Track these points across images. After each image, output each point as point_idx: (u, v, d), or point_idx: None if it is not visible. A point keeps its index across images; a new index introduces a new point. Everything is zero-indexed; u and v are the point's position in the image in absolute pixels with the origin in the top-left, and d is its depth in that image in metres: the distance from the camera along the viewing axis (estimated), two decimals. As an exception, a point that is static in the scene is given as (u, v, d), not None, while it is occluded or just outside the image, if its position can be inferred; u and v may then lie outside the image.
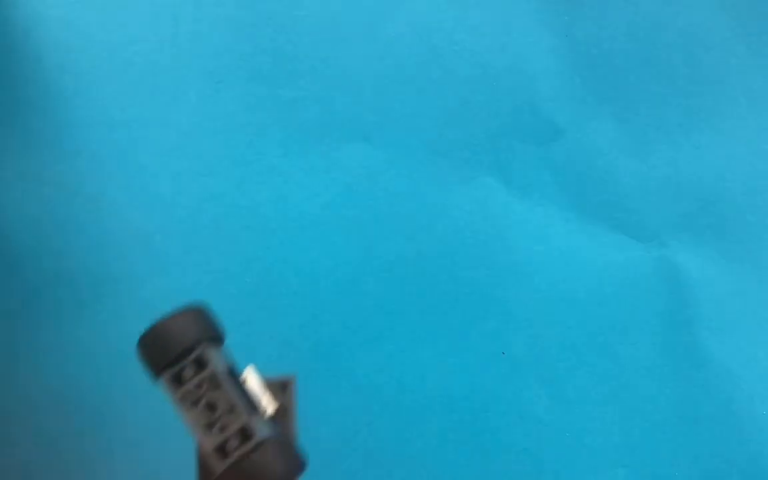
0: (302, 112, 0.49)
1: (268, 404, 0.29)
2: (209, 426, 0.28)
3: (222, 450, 0.27)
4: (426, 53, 0.50)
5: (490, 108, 0.50)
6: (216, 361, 0.28)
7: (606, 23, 0.50)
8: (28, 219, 0.48)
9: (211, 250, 0.48)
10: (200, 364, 0.28)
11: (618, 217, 0.49)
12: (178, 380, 0.28)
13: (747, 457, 0.47)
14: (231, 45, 0.49)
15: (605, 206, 0.50)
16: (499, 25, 0.50)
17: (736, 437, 0.47)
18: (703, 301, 0.49)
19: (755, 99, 0.50)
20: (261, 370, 0.30)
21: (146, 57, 0.49)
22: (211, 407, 0.28)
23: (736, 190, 0.50)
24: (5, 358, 0.46)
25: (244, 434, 0.27)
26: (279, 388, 0.31)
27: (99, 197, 0.48)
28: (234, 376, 0.29)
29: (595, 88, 0.50)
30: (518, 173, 0.50)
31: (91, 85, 0.49)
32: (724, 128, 0.50)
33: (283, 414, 0.31)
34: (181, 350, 0.28)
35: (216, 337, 0.29)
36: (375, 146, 0.50)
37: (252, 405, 0.28)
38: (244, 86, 0.49)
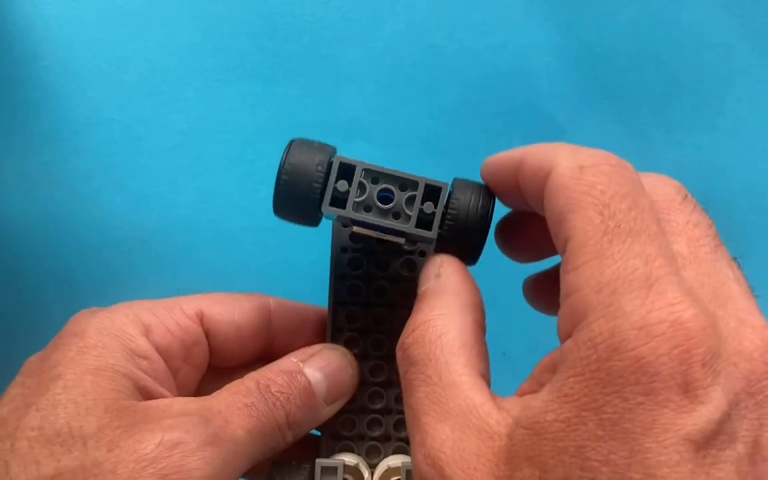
0: (301, 111, 0.49)
1: None
2: (396, 213, 0.27)
3: (423, 221, 0.27)
4: (426, 52, 0.50)
5: (490, 107, 0.50)
6: (356, 159, 0.27)
7: (608, 21, 0.50)
8: (28, 219, 0.48)
9: (210, 250, 0.48)
10: (347, 172, 0.27)
11: (619, 217, 0.49)
12: (339, 200, 0.27)
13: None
14: (230, 43, 0.49)
15: (606, 206, 0.49)
16: (500, 24, 0.50)
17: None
18: (706, 302, 0.49)
19: (758, 98, 0.50)
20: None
21: (145, 56, 0.49)
22: (384, 198, 0.27)
23: (740, 189, 0.49)
24: (5, 358, 0.45)
25: (432, 192, 0.27)
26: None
27: (98, 197, 0.48)
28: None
29: (597, 87, 0.50)
30: (519, 173, 0.49)
31: (89, 85, 0.49)
32: (726, 127, 0.50)
33: None
34: (323, 172, 0.26)
35: (334, 148, 0.28)
36: (375, 146, 0.49)
37: (372, 229, 0.27)
38: (243, 85, 0.49)
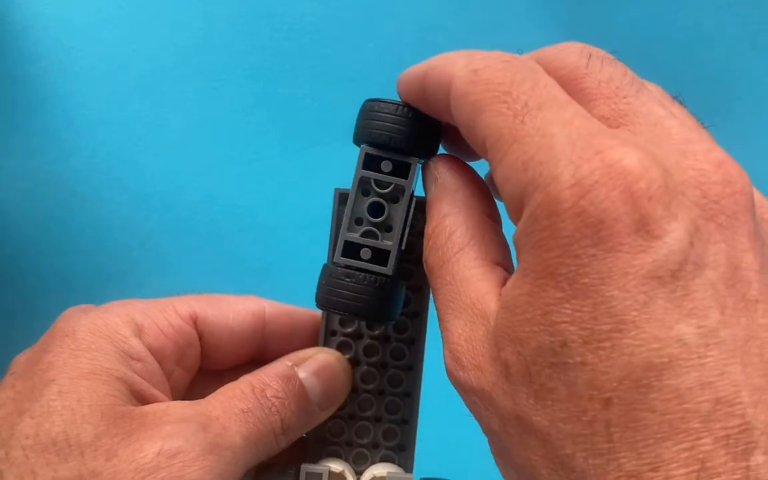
0: (301, 110, 0.49)
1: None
2: (360, 220, 0.27)
3: (351, 248, 0.26)
4: (426, 52, 0.50)
5: (490, 107, 0.50)
6: (413, 181, 0.27)
7: (608, 21, 0.50)
8: (28, 219, 0.48)
9: (209, 249, 0.48)
10: (401, 171, 0.26)
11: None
12: (370, 162, 0.26)
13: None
14: (229, 43, 0.49)
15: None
16: (500, 24, 0.50)
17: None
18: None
19: (760, 98, 0.50)
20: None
21: (145, 56, 0.49)
22: (376, 209, 0.27)
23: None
24: (5, 357, 0.45)
25: (380, 256, 0.26)
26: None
27: (98, 196, 0.48)
28: (411, 199, 0.27)
29: (597, 87, 0.50)
30: (519, 173, 0.49)
31: (89, 85, 0.49)
32: (727, 128, 0.50)
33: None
34: (395, 146, 0.26)
35: (428, 156, 0.28)
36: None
37: (404, 239, 0.27)
38: (243, 85, 0.49)
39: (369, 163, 0.26)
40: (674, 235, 0.18)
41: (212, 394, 0.26)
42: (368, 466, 0.29)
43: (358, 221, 0.27)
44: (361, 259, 0.26)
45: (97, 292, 0.48)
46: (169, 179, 0.48)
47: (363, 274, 0.26)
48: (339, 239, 0.26)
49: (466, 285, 0.23)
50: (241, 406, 0.26)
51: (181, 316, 0.29)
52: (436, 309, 0.24)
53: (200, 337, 0.29)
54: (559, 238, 0.18)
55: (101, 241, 0.48)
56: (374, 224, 0.26)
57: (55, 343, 0.26)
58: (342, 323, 0.30)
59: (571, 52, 0.23)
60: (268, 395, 0.27)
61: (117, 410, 0.24)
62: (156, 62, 0.49)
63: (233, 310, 0.30)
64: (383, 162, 0.26)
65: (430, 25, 0.50)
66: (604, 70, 0.22)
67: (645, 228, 0.18)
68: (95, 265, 0.47)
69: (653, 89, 0.23)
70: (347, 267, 0.26)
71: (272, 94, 0.49)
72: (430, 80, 0.24)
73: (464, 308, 0.22)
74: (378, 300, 0.26)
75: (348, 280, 0.26)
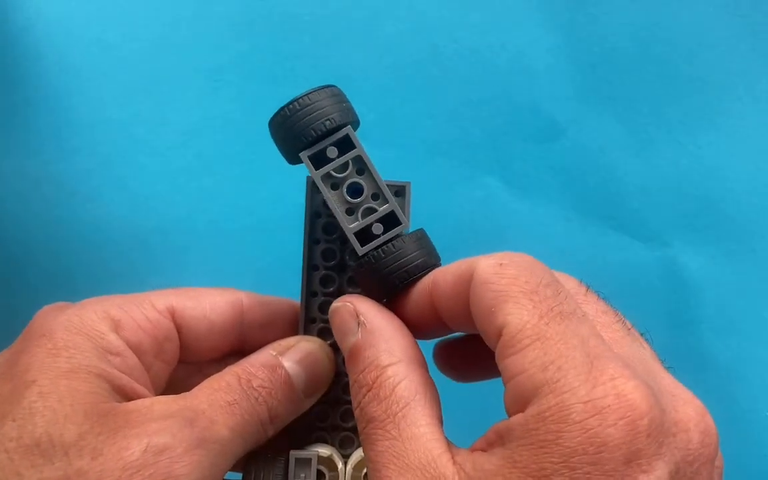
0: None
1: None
2: (351, 210, 0.27)
3: (364, 235, 0.27)
4: (426, 52, 0.50)
5: (490, 107, 0.50)
6: (360, 143, 0.27)
7: (607, 21, 0.50)
8: (28, 218, 0.48)
9: (209, 249, 0.48)
10: (344, 145, 0.27)
11: (619, 217, 0.49)
12: (320, 160, 0.27)
13: (750, 457, 0.47)
14: (230, 43, 0.49)
15: (606, 206, 0.49)
16: (500, 24, 0.50)
17: (739, 438, 0.47)
18: (706, 301, 0.49)
19: (758, 97, 0.50)
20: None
21: (145, 55, 0.49)
22: (354, 191, 0.27)
23: (739, 189, 0.49)
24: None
25: (390, 220, 0.27)
26: (393, 192, 0.29)
27: (98, 196, 0.48)
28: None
29: (597, 87, 0.50)
30: (519, 173, 0.49)
31: (89, 84, 0.48)
32: (726, 127, 0.50)
33: None
34: (326, 129, 0.26)
35: (357, 122, 0.28)
36: (374, 145, 0.49)
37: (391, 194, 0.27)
38: (243, 85, 0.49)
39: (317, 161, 0.26)
40: (658, 474, 0.20)
41: (197, 387, 0.26)
42: (354, 449, 0.29)
43: (350, 211, 0.27)
44: (377, 236, 0.26)
45: (97, 292, 0.48)
46: (169, 179, 0.48)
47: (390, 243, 0.26)
48: (348, 237, 0.27)
49: (415, 443, 0.23)
50: (227, 399, 0.26)
51: (158, 310, 0.29)
52: (370, 457, 0.24)
53: (178, 329, 0.29)
54: (563, 445, 0.20)
55: (101, 241, 0.48)
56: (362, 202, 0.27)
57: (31, 343, 0.26)
58: (322, 310, 0.30)
59: (571, 279, 0.25)
60: (254, 385, 0.27)
61: (100, 408, 0.24)
62: (156, 62, 0.49)
63: (211, 302, 0.31)
64: (327, 150, 0.26)
65: (430, 25, 0.50)
66: (600, 302, 0.25)
67: (637, 461, 0.20)
68: (95, 265, 0.47)
69: (635, 332, 0.26)
70: (375, 251, 0.26)
71: (272, 94, 0.49)
72: (445, 275, 0.25)
73: (411, 467, 0.23)
74: (424, 247, 0.27)
75: (387, 257, 0.26)
